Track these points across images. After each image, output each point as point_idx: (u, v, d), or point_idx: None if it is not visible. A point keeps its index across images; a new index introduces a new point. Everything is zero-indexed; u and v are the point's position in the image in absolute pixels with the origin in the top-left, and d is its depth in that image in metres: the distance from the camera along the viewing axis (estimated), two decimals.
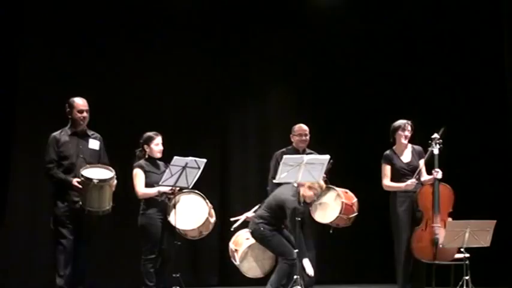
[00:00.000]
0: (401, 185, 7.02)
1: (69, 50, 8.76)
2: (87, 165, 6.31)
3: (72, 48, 8.77)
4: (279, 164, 7.07)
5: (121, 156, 8.39)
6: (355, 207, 7.38)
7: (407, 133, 7.18)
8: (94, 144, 6.50)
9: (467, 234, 6.63)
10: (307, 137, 7.60)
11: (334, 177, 7.44)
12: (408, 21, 9.86)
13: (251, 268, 7.20)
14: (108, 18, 9.00)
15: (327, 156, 7.08)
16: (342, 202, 7.27)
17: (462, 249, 6.71)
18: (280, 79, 9.87)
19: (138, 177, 6.93)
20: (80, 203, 6.26)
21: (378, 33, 9.98)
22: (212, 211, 7.10)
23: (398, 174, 7.09)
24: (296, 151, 7.51)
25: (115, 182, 6.41)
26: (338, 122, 9.77)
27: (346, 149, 9.45)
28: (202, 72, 9.41)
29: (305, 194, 6.97)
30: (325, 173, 7.29)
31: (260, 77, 9.74)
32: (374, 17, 9.93)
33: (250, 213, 7.36)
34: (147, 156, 7.02)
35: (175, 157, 6.81)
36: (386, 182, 7.11)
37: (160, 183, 6.78)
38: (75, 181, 6.25)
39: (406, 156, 7.17)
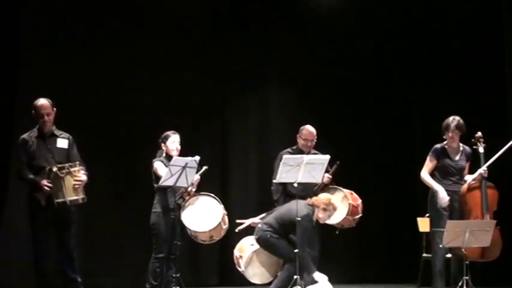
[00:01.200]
0: (434, 187, 6.96)
1: (68, 50, 8.76)
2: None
3: (71, 49, 8.77)
4: None
5: (121, 156, 8.43)
6: (359, 209, 7.40)
7: (452, 134, 7.03)
8: (62, 143, 6.47)
9: (467, 234, 6.63)
10: (313, 142, 7.57)
11: (335, 177, 7.44)
12: (408, 20, 9.88)
13: (256, 274, 7.15)
14: (107, 18, 8.99)
15: (327, 156, 7.09)
16: (350, 204, 7.29)
17: (462, 249, 6.71)
18: (281, 79, 9.86)
19: (160, 167, 7.00)
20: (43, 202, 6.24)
21: (378, 32, 9.99)
22: (226, 218, 7.12)
23: (444, 172, 7.04)
24: (301, 152, 7.48)
25: (81, 175, 6.25)
26: (338, 122, 9.76)
27: (347, 149, 9.44)
28: (202, 72, 9.40)
29: (319, 215, 6.91)
30: (332, 174, 7.33)
31: (260, 77, 9.74)
32: (374, 16, 9.94)
33: (256, 219, 7.36)
34: (164, 155, 7.12)
35: (174, 157, 6.90)
36: (424, 174, 7.06)
37: (160, 183, 6.82)
38: (44, 182, 6.22)
39: (456, 155, 7.10)
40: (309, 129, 7.60)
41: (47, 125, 6.40)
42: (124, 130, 8.78)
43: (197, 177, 7.08)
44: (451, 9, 9.41)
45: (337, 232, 7.43)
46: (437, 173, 7.09)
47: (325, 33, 9.89)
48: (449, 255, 7.11)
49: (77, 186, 6.19)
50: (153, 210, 7.02)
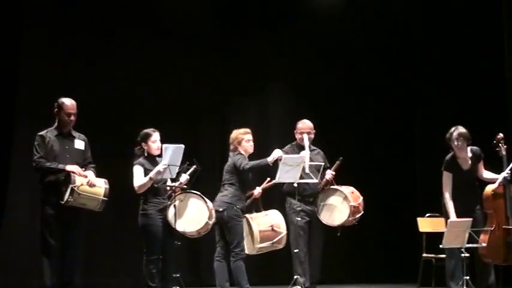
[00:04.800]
0: (453, 215, 6.80)
1: (69, 50, 8.77)
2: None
3: (72, 48, 8.78)
4: None
5: (121, 155, 8.40)
6: (361, 207, 7.37)
7: (457, 143, 6.89)
8: (79, 144, 6.48)
9: (467, 235, 6.62)
10: (311, 135, 7.54)
11: (337, 174, 7.46)
12: (408, 20, 9.89)
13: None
14: (107, 18, 9.00)
15: (304, 154, 7.08)
16: (350, 206, 7.25)
17: (462, 249, 6.70)
18: (281, 79, 9.87)
19: (136, 172, 6.81)
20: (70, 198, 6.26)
21: (377, 32, 10.00)
22: (213, 212, 7.00)
23: (459, 184, 6.90)
24: (301, 147, 7.44)
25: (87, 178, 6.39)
26: (338, 122, 9.77)
27: (347, 148, 9.43)
28: (202, 71, 9.41)
29: (245, 147, 7.08)
30: (334, 171, 7.31)
31: (260, 77, 9.74)
32: (374, 15, 9.95)
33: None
34: (145, 154, 6.88)
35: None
36: (446, 194, 6.87)
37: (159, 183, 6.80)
38: (68, 168, 6.23)
39: (466, 163, 6.98)
40: (303, 121, 7.58)
41: (70, 124, 6.40)
42: (123, 130, 8.76)
43: (186, 177, 6.99)
44: (452, 10, 9.42)
45: (338, 234, 7.42)
46: (453, 185, 6.92)
47: (326, 33, 9.90)
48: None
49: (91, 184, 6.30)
50: (142, 212, 6.81)
